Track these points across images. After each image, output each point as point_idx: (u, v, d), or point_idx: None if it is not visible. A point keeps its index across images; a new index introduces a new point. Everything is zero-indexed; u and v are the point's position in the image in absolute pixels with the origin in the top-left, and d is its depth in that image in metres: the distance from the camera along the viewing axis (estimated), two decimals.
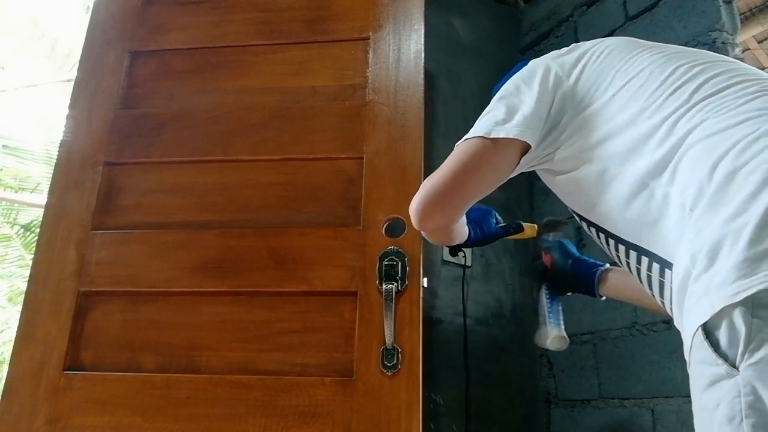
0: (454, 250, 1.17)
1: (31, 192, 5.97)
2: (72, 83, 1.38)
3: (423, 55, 1.26)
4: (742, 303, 0.55)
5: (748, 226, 0.57)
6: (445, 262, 1.61)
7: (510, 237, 1.17)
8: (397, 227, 1.12)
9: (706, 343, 0.58)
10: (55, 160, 1.32)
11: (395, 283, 1.05)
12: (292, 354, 1.09)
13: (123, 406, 1.09)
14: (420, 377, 1.03)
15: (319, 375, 1.07)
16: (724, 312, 0.57)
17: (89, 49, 1.39)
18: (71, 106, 1.34)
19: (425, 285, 1.10)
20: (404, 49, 1.28)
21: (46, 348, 1.15)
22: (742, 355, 0.55)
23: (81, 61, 1.39)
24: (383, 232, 1.12)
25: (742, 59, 1.56)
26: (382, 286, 1.06)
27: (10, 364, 1.16)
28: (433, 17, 1.78)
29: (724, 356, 0.56)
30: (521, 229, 1.17)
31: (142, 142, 1.29)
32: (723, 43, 1.55)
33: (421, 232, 0.98)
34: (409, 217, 1.10)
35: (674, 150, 0.71)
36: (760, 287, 0.54)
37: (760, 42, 2.72)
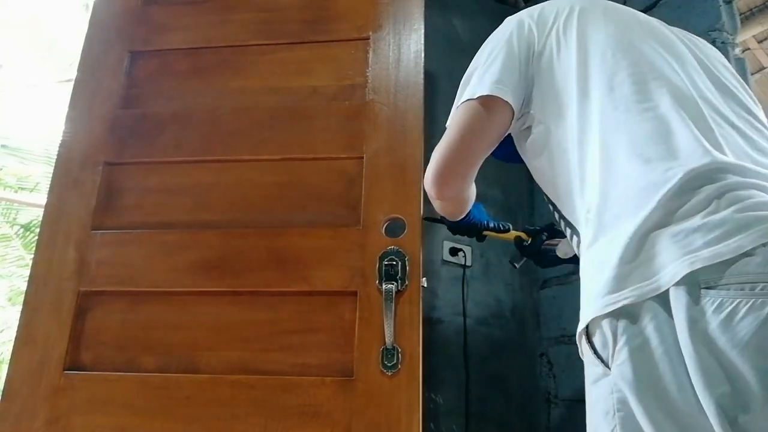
0: (459, 230, 1.23)
1: (30, 192, 5.97)
2: (72, 83, 1.38)
3: (423, 54, 1.26)
4: (610, 314, 0.64)
5: (620, 247, 0.65)
6: (445, 262, 1.61)
7: (496, 234, 1.26)
8: (397, 227, 1.12)
9: (588, 347, 0.68)
10: (54, 160, 1.32)
11: (395, 283, 1.05)
12: (292, 354, 1.09)
13: (123, 406, 1.09)
14: (420, 377, 1.03)
15: (319, 375, 1.06)
16: (597, 321, 0.66)
17: (89, 49, 1.39)
18: (71, 106, 1.34)
19: (425, 285, 1.10)
20: (404, 48, 1.28)
21: (46, 348, 1.15)
22: (611, 357, 0.64)
23: (81, 61, 1.38)
24: (383, 231, 1.12)
25: (742, 59, 1.56)
26: (382, 285, 1.06)
27: (10, 364, 1.16)
28: (433, 17, 1.78)
29: (600, 358, 0.65)
30: (508, 230, 1.26)
31: (142, 142, 1.29)
32: (723, 42, 1.55)
33: (437, 203, 1.03)
34: (409, 216, 1.12)
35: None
36: (624, 302, 0.62)
37: (760, 42, 2.72)
